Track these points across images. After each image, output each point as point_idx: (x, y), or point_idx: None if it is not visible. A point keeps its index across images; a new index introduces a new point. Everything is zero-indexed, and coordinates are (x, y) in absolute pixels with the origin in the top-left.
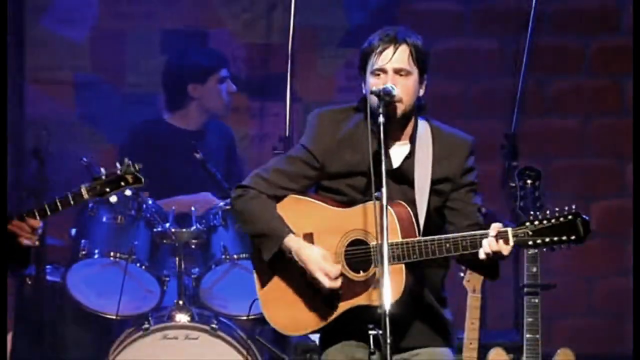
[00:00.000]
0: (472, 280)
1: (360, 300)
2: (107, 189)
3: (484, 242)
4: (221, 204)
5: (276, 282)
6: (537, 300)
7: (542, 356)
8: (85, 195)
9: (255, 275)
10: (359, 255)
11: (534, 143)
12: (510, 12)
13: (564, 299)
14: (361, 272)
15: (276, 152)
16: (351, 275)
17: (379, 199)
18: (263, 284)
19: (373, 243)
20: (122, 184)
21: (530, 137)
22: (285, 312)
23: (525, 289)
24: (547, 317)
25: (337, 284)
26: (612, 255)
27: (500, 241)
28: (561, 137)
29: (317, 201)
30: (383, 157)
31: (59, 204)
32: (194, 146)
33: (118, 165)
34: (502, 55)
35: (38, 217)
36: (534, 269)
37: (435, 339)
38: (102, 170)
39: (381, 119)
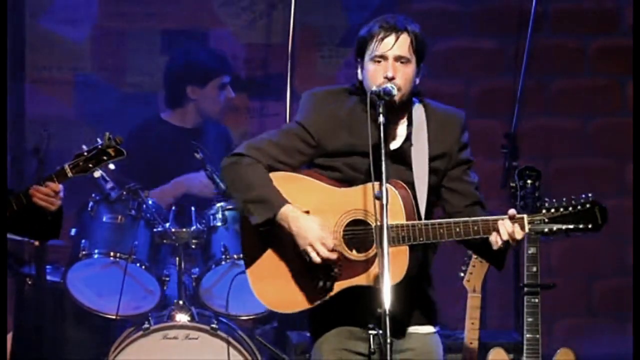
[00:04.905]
0: (472, 280)
1: (359, 281)
2: (90, 165)
3: (500, 225)
4: (221, 204)
5: (267, 257)
6: (537, 300)
7: (542, 356)
8: (69, 174)
9: (242, 249)
10: (358, 235)
11: (534, 143)
12: (510, 12)
13: (564, 299)
14: (361, 251)
15: None
16: (349, 254)
17: (379, 198)
18: (253, 258)
19: (375, 224)
20: (105, 157)
21: (530, 137)
22: (276, 288)
23: (525, 289)
24: (547, 317)
25: (334, 255)
26: (612, 255)
27: (516, 225)
28: (561, 137)
29: (313, 179)
30: (383, 157)
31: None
32: (194, 146)
33: (99, 140)
34: (502, 55)
35: (24, 200)
36: (534, 269)
37: (424, 319)
38: (84, 147)
39: (381, 119)
